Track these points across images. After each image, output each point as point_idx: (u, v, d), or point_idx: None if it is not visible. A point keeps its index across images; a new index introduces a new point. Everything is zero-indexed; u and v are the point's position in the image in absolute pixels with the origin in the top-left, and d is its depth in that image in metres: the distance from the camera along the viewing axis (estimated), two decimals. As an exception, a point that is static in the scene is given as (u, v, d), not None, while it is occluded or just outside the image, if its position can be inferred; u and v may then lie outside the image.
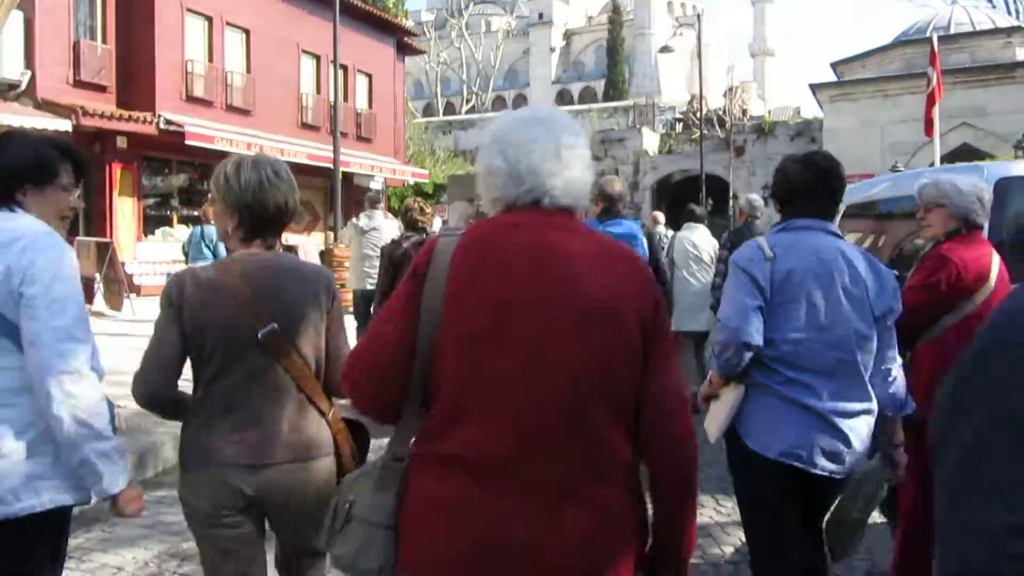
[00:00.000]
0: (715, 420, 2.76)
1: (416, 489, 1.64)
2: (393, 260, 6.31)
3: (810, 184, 2.74)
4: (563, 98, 75.05)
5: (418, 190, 36.77)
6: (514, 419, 1.56)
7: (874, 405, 2.68)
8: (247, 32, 20.97)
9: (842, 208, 7.08)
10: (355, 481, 1.77)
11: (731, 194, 31.29)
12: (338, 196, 16.37)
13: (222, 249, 12.21)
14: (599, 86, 73.98)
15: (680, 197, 35.14)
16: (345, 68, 24.22)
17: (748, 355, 2.60)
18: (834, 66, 20.16)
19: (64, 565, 2.41)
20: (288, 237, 16.65)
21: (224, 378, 2.28)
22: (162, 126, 17.96)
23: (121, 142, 17.96)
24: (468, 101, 67.41)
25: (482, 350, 1.57)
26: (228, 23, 20.35)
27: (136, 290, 17.58)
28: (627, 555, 1.64)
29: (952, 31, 18.34)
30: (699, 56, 27.26)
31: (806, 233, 2.71)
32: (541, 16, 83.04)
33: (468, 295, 1.59)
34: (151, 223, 19.32)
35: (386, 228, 8.71)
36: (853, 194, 6.93)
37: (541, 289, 1.59)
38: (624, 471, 1.63)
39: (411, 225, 6.61)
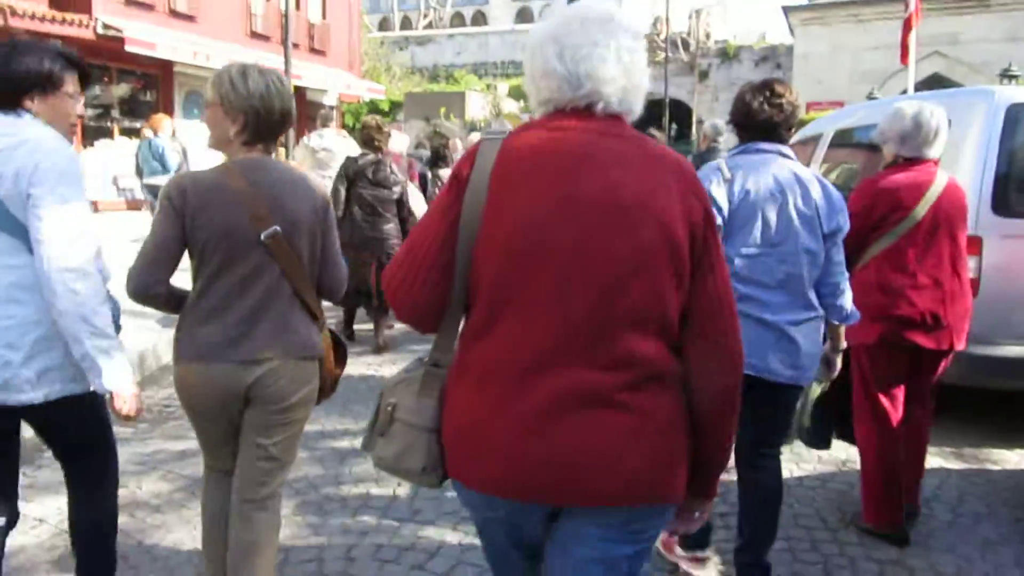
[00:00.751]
0: None
1: (455, 398, 1.66)
2: (348, 175, 6.55)
3: (766, 110, 2.87)
4: (524, 16, 72.96)
5: (374, 107, 35.66)
6: (550, 323, 1.55)
7: (820, 312, 2.88)
8: (192, -70, 19.59)
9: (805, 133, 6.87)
10: (397, 386, 1.79)
11: (695, 119, 30.86)
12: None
13: (171, 161, 11.93)
14: (562, 4, 71.83)
15: (643, 122, 34.30)
16: (297, -26, 22.97)
17: None
18: (809, -11, 19.71)
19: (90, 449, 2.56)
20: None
21: (223, 277, 2.36)
22: (100, 31, 16.77)
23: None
24: (426, 16, 65.41)
25: (520, 254, 1.56)
26: (171, -80, 18.95)
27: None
28: (672, 468, 1.63)
29: (929, -45, 17.87)
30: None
31: (763, 156, 2.86)
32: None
33: (509, 199, 1.57)
34: (90, 135, 18.24)
35: (339, 147, 8.48)
36: (831, 123, 6.60)
37: (585, 193, 1.56)
38: (663, 378, 1.61)
39: (368, 143, 6.62)
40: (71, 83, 2.41)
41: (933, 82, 16.90)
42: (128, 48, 16.68)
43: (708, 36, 36.05)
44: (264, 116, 2.39)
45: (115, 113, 19.07)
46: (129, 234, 12.65)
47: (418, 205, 7.81)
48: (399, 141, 8.57)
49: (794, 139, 7.17)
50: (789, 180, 2.79)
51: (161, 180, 11.37)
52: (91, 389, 2.34)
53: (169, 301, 2.43)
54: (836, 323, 3.01)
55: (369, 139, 6.64)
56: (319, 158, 8.55)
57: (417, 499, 3.89)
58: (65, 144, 2.27)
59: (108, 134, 18.74)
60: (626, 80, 1.63)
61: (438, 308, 1.66)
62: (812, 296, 2.84)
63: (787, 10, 17.92)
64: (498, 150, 1.60)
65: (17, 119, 2.27)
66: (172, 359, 2.49)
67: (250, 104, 2.37)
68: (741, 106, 2.95)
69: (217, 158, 2.52)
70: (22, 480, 3.80)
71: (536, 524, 1.68)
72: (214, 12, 20.17)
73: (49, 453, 3.82)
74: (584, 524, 1.63)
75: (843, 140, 6.26)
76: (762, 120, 2.87)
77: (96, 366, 2.24)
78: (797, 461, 4.44)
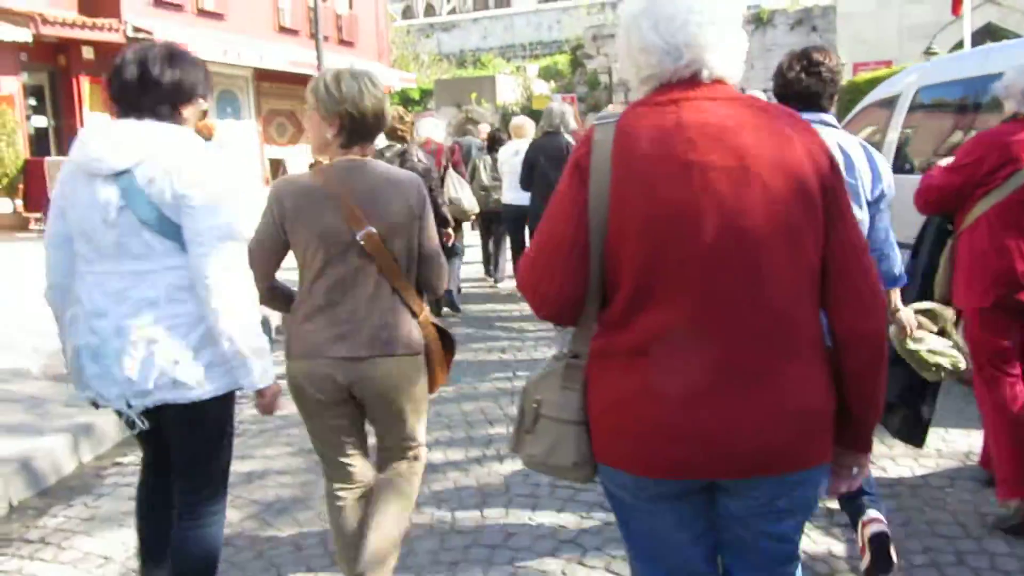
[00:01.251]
0: None
1: (601, 383, 1.65)
2: None
3: (804, 79, 2.84)
4: (547, -5, 72.01)
5: (404, 96, 35.43)
6: (699, 300, 1.55)
7: None
8: (215, -72, 19.38)
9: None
10: (539, 382, 1.77)
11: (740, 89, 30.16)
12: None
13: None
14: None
15: (676, 94, 33.70)
16: (322, -35, 22.69)
17: None
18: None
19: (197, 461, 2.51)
20: (272, 151, 16.01)
21: (325, 277, 2.47)
22: (130, 33, 16.65)
23: (87, 52, 16.72)
24: (449, 1, 64.83)
25: (662, 231, 1.54)
26: (193, -82, 18.76)
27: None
28: (823, 431, 1.63)
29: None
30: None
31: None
32: (521, -92, 79.10)
33: (638, 181, 1.55)
34: (127, 139, 18.22)
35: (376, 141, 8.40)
36: (911, 81, 6.11)
37: (716, 162, 1.53)
38: (814, 344, 1.61)
39: (391, 134, 6.55)
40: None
41: (987, 33, 16.17)
42: (159, 50, 16.55)
43: (738, 3, 35.21)
44: (358, 119, 2.47)
45: (150, 116, 19.00)
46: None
47: (461, 191, 7.56)
48: (435, 128, 8.41)
49: (865, 102, 6.72)
50: (832, 149, 2.78)
51: None
52: (240, 387, 2.42)
53: (273, 298, 2.61)
54: (886, 288, 2.96)
55: (392, 130, 6.52)
56: None
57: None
58: (208, 151, 2.36)
59: (144, 138, 18.68)
60: (726, 42, 1.61)
61: (579, 298, 1.64)
62: None
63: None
64: (614, 133, 1.58)
65: (168, 126, 2.32)
66: (284, 355, 2.58)
67: (344, 110, 2.46)
68: (780, 76, 2.92)
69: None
70: (82, 511, 3.65)
71: (692, 502, 1.69)
72: (241, 9, 19.98)
73: (111, 479, 3.75)
74: (745, 497, 1.65)
75: (928, 100, 5.79)
76: (801, 90, 2.85)
77: (246, 364, 2.32)
78: (916, 457, 3.98)
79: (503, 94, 36.32)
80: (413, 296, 2.57)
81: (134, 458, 4.18)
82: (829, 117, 2.88)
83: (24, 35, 14.68)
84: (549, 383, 1.74)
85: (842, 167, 2.70)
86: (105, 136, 2.29)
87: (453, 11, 62.55)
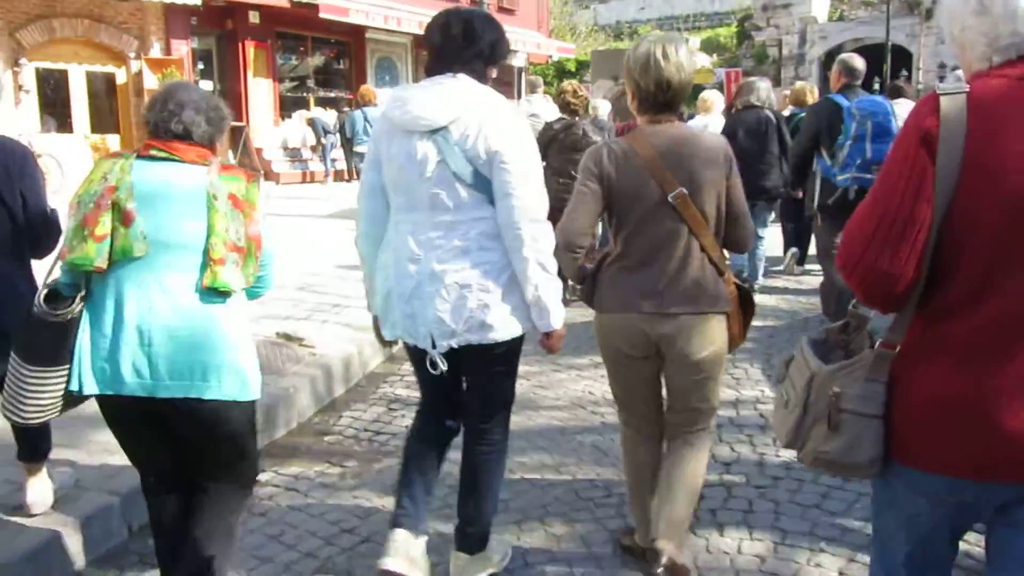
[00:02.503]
0: None
1: (923, 378, 1.54)
2: (542, 143, 6.24)
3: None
4: (710, -34, 69.20)
5: (559, 68, 34.63)
6: None
7: None
8: None
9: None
10: (835, 373, 1.64)
11: (917, 66, 27.56)
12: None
13: None
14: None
15: (863, 74, 31.32)
16: (486, -70, 22.03)
17: None
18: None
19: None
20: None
21: (638, 236, 2.59)
22: (295, -1, 16.56)
23: (253, 17, 16.74)
24: (607, -28, 63.54)
25: (1021, 221, 1.42)
26: None
27: (275, 178, 16.71)
28: None
29: None
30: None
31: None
32: None
33: (998, 160, 1.43)
34: (287, 106, 18.26)
35: (545, 112, 8.47)
36: None
37: None
38: None
39: (564, 108, 6.63)
40: None
41: None
42: (322, 15, 16.38)
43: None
44: (644, 87, 2.53)
45: (311, 83, 18.98)
46: (326, 208, 12.24)
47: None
48: (546, 109, 8.31)
49: None
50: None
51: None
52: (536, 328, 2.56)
53: (589, 254, 2.69)
54: None
55: (565, 104, 6.61)
56: (528, 123, 7.92)
57: None
58: (513, 106, 2.56)
59: (305, 105, 18.67)
60: None
61: (916, 281, 1.50)
62: None
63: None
64: (966, 107, 1.46)
65: (471, 82, 2.43)
66: (595, 312, 2.74)
67: (634, 77, 2.54)
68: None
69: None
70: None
71: (996, 507, 1.57)
72: (404, -26, 19.60)
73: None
74: None
75: None
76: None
77: (546, 308, 2.49)
78: None
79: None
80: (720, 256, 2.63)
81: (277, 475, 3.57)
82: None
83: (194, -1, 14.74)
84: (850, 374, 1.62)
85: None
86: (424, 95, 2.41)
87: (609, -18, 61.35)
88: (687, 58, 2.52)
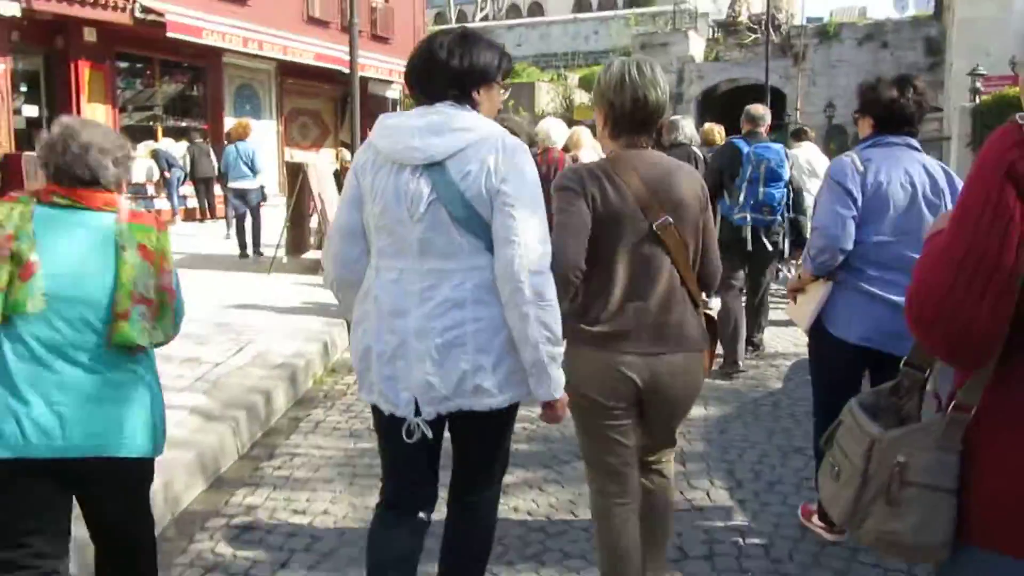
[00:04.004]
0: (804, 312, 3.25)
1: (1001, 447, 1.35)
2: None
3: (910, 106, 3.02)
4: (581, 6, 70.38)
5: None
6: None
7: None
8: (240, -100, 17.29)
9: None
10: (901, 439, 1.47)
11: (795, 107, 27.80)
12: (356, 105, 13.03)
13: (260, 163, 11.01)
14: (620, -7, 69.26)
15: (728, 110, 31.58)
16: (358, -48, 20.61)
17: (841, 258, 3.03)
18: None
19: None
20: (293, 154, 13.74)
21: (616, 264, 2.39)
22: (138, 14, 14.55)
23: (89, 34, 14.62)
24: (482, 8, 63.39)
25: None
26: None
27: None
28: None
29: None
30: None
31: (893, 149, 3.04)
32: (559, -84, 77.39)
33: None
34: (130, 136, 16.05)
35: None
36: None
37: None
38: None
39: None
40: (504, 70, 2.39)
41: None
42: (170, 34, 14.41)
43: (791, 16, 33.01)
44: (619, 105, 2.41)
45: (159, 111, 16.89)
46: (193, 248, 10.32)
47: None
48: (556, 131, 7.96)
49: None
50: (918, 171, 2.99)
51: (250, 184, 10.83)
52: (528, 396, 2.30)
53: (569, 290, 2.43)
54: None
55: None
56: None
57: None
58: (519, 140, 2.23)
59: (152, 135, 16.56)
60: None
61: (999, 332, 1.30)
62: None
63: (947, -34, 14.88)
64: None
65: (467, 112, 2.21)
66: (566, 346, 2.39)
67: (608, 98, 2.42)
68: (884, 98, 3.04)
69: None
70: None
71: None
72: (267, -6, 17.85)
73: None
74: None
75: None
76: (906, 115, 3.03)
77: (546, 374, 2.19)
78: None
79: (542, 102, 34.38)
80: (696, 288, 2.52)
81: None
82: (914, 141, 3.06)
83: (12, 9, 12.59)
84: (919, 441, 1.43)
85: (927, 188, 2.99)
86: (420, 123, 2.18)
87: (485, 18, 61.09)
88: (662, 76, 2.45)
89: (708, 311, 2.62)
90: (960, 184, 2.94)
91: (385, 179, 2.17)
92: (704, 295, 2.62)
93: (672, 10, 41.30)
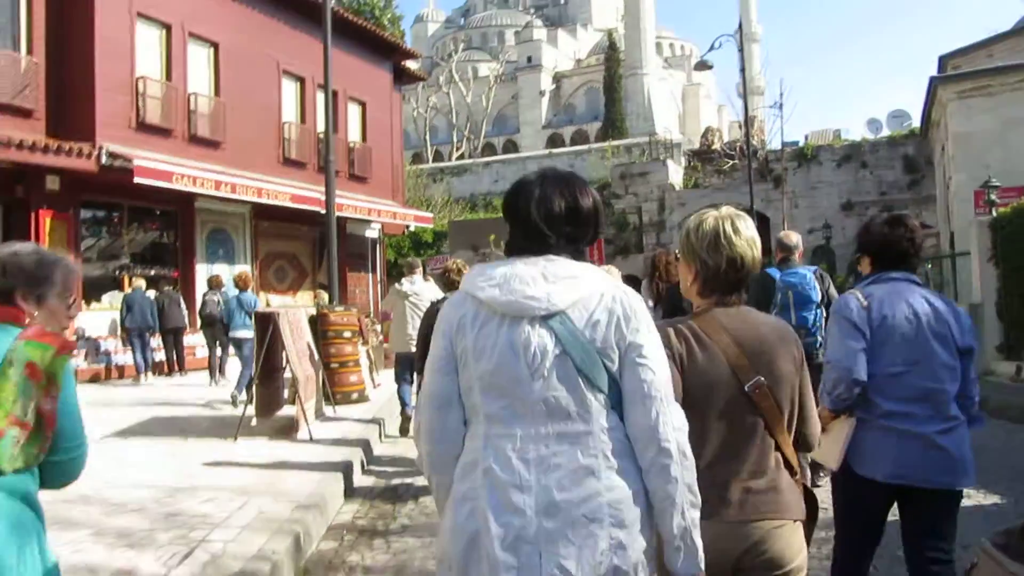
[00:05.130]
0: (832, 451, 3.17)
1: None
2: (429, 321, 6.19)
3: (904, 244, 3.18)
4: (554, 142, 72.05)
5: (416, 239, 33.07)
6: None
7: (963, 417, 3.10)
8: (215, 46, 17.05)
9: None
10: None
11: (783, 231, 27.48)
12: (333, 246, 12.21)
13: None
14: (591, 129, 71.23)
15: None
16: (335, 93, 20.37)
17: (857, 390, 3.07)
18: (944, 60, 16.26)
19: None
20: (269, 299, 12.88)
21: (710, 430, 2.26)
22: (104, 161, 13.88)
23: (52, 182, 13.91)
24: (458, 148, 64.64)
25: None
26: (191, 34, 16.42)
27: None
28: None
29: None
30: (742, 71, 23.62)
31: (895, 284, 3.16)
32: (530, 60, 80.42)
33: None
34: (94, 289, 15.15)
35: (427, 291, 8.92)
36: None
37: None
38: None
39: (450, 286, 6.56)
40: None
41: None
42: (138, 179, 13.69)
43: (764, 143, 33.32)
44: (713, 266, 2.32)
45: (125, 260, 16.02)
46: (140, 415, 9.02)
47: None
48: (428, 288, 9.06)
49: None
50: (920, 303, 3.10)
51: (249, 334, 10.54)
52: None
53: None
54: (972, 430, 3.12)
55: (451, 282, 6.58)
56: (411, 302, 8.83)
57: None
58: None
59: (118, 285, 15.64)
60: None
61: None
62: (954, 407, 3.06)
63: (936, 80, 14.61)
64: None
65: (579, 262, 2.04)
66: None
67: (700, 256, 2.34)
68: (878, 238, 3.23)
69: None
70: None
71: None
72: (241, 137, 17.39)
73: None
74: None
75: None
76: (900, 251, 3.17)
77: (693, 543, 1.93)
78: None
79: (523, 237, 33.94)
80: (793, 454, 2.33)
81: None
82: (914, 276, 3.20)
83: (-33, 158, 11.85)
84: None
85: (932, 320, 3.06)
86: (532, 271, 1.99)
87: (462, 157, 62.10)
88: (755, 231, 2.36)
89: (804, 483, 2.43)
90: (964, 314, 3.12)
91: (495, 334, 1.96)
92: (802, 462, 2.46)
93: (647, 141, 41.94)
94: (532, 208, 2.03)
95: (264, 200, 16.74)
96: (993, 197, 12.39)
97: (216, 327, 12.81)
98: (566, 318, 1.94)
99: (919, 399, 2.99)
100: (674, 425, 1.93)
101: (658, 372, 1.95)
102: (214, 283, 13.53)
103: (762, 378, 2.23)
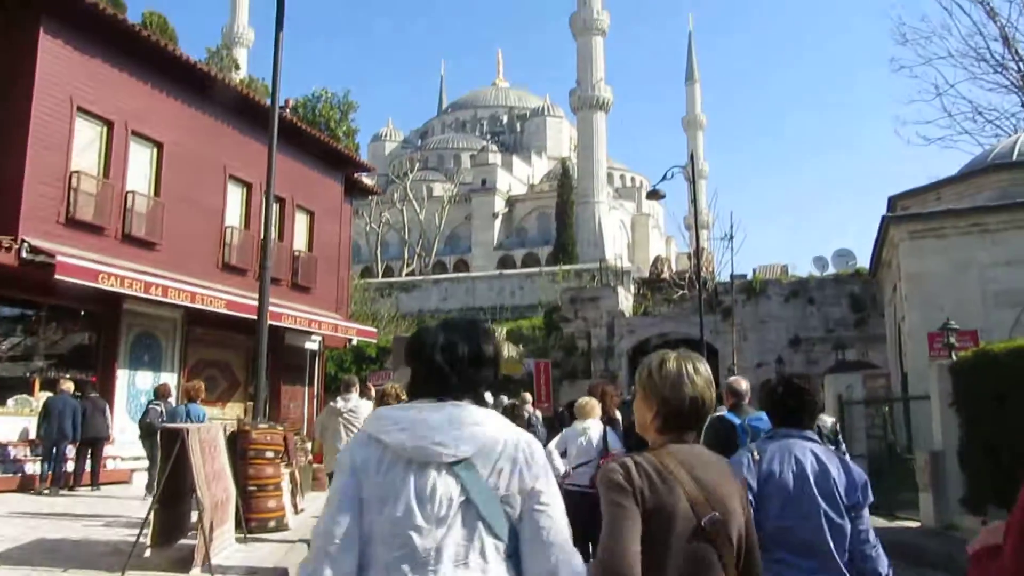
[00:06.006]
0: None
1: None
2: None
3: (789, 401, 3.43)
4: (505, 264, 72.52)
5: (359, 353, 32.14)
6: None
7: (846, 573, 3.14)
8: (159, 146, 16.51)
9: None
10: None
11: (733, 362, 27.23)
12: (262, 356, 11.35)
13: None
14: (543, 253, 71.93)
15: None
16: (282, 201, 19.93)
17: None
18: (894, 201, 16.42)
19: None
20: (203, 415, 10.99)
21: (664, 562, 2.25)
22: (26, 255, 12.99)
23: (-35, 278, 12.92)
24: (408, 265, 64.56)
25: None
26: (135, 132, 15.88)
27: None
28: None
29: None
30: (694, 202, 23.86)
31: (788, 440, 3.32)
32: (484, 183, 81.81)
33: None
34: (2, 390, 13.95)
35: (363, 409, 8.70)
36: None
37: None
38: None
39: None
40: None
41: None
42: (59, 277, 12.80)
43: (712, 275, 33.62)
44: (676, 404, 2.38)
45: (39, 361, 14.89)
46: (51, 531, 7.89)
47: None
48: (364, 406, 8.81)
49: None
50: (811, 461, 3.21)
51: None
52: None
53: None
54: None
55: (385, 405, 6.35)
56: (346, 419, 8.60)
57: None
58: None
59: (27, 388, 14.45)
60: None
61: None
62: (841, 562, 3.09)
63: (888, 220, 14.63)
64: None
65: (482, 408, 2.10)
66: None
67: (662, 394, 2.39)
68: (776, 398, 3.46)
69: None
70: None
71: None
72: (180, 239, 16.66)
73: None
74: None
75: None
76: (790, 410, 3.40)
77: None
78: None
79: (469, 356, 33.23)
80: None
81: None
82: (810, 433, 3.38)
83: None
84: None
85: (819, 476, 3.18)
86: (438, 417, 2.03)
87: (412, 273, 61.94)
88: (711, 375, 2.45)
89: None
90: (857, 471, 3.25)
91: (401, 479, 1.97)
92: None
93: (598, 267, 42.20)
94: (436, 353, 2.09)
95: (198, 305, 15.88)
96: (952, 340, 12.15)
97: (155, 439, 11.90)
98: (471, 465, 1.97)
99: (805, 554, 3.08)
100: (574, 570, 1.96)
101: (557, 519, 2.01)
102: (161, 392, 12.92)
103: (718, 514, 2.27)
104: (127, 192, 15.63)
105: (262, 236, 16.14)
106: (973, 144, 28.03)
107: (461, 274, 61.51)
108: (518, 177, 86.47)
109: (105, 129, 15.31)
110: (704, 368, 2.42)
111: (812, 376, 3.79)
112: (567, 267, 48.69)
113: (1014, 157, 14.80)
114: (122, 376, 15.71)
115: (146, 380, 16.16)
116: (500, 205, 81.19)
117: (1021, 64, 25.00)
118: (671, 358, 2.40)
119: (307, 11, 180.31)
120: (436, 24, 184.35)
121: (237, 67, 44.75)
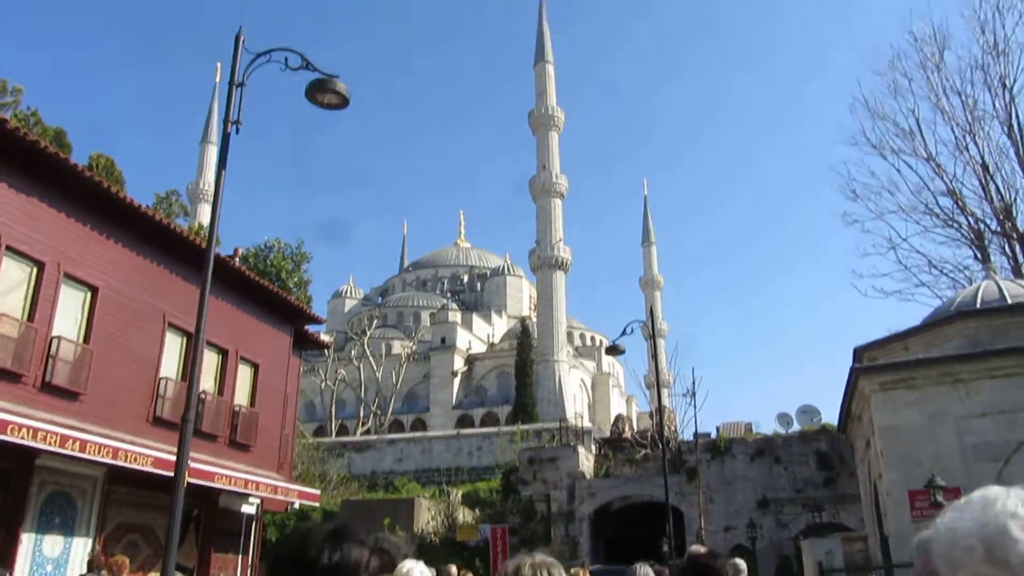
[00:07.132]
0: None
1: None
2: None
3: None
4: (464, 423, 70.84)
5: (303, 515, 30.13)
6: None
7: None
8: (94, 289, 15.60)
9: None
10: None
11: (700, 526, 25.82)
12: (176, 520, 9.90)
13: None
14: (502, 412, 70.53)
15: (625, 529, 29.41)
16: (225, 353, 18.92)
17: None
18: (860, 352, 15.90)
19: None
20: None
21: None
22: (-74, 405, 11.75)
23: None
24: (364, 424, 62.61)
25: None
26: (68, 275, 15.00)
27: None
28: None
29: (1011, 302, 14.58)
30: (654, 358, 23.24)
31: None
32: (443, 341, 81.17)
33: None
34: None
35: None
36: None
37: None
38: None
39: None
40: None
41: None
42: (-42, 428, 11.52)
43: (675, 433, 32.65)
44: None
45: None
46: None
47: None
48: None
49: None
50: None
51: None
52: None
53: None
54: None
55: None
56: None
57: None
58: None
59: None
60: None
61: None
62: None
63: (858, 371, 14.05)
64: None
65: None
66: None
67: None
68: (693, 571, 4.03)
69: None
70: None
71: None
72: (107, 389, 15.47)
73: None
74: None
75: None
76: None
77: None
78: None
79: (421, 521, 31.47)
80: None
81: None
82: None
83: None
84: None
85: None
86: None
87: (368, 432, 59.93)
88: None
89: None
90: None
91: None
92: None
93: (558, 427, 40.95)
94: (300, 557, 2.05)
95: (121, 462, 14.47)
96: (939, 499, 11.29)
97: None
98: None
99: None
100: None
101: None
102: (96, 563, 11.85)
103: None
104: (52, 337, 14.55)
105: (205, 388, 15.01)
106: (931, 296, 28.29)
107: (417, 434, 59.62)
108: (478, 335, 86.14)
109: (35, 270, 14.43)
110: (558, 573, 2.53)
111: (720, 554, 4.26)
112: (526, 426, 47.34)
113: (978, 304, 14.52)
114: (26, 541, 14.04)
115: (55, 546, 14.50)
116: (459, 363, 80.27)
117: (970, 219, 25.53)
118: (526, 564, 2.51)
119: (269, 162, 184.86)
120: (399, 184, 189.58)
121: (186, 213, 44.58)
